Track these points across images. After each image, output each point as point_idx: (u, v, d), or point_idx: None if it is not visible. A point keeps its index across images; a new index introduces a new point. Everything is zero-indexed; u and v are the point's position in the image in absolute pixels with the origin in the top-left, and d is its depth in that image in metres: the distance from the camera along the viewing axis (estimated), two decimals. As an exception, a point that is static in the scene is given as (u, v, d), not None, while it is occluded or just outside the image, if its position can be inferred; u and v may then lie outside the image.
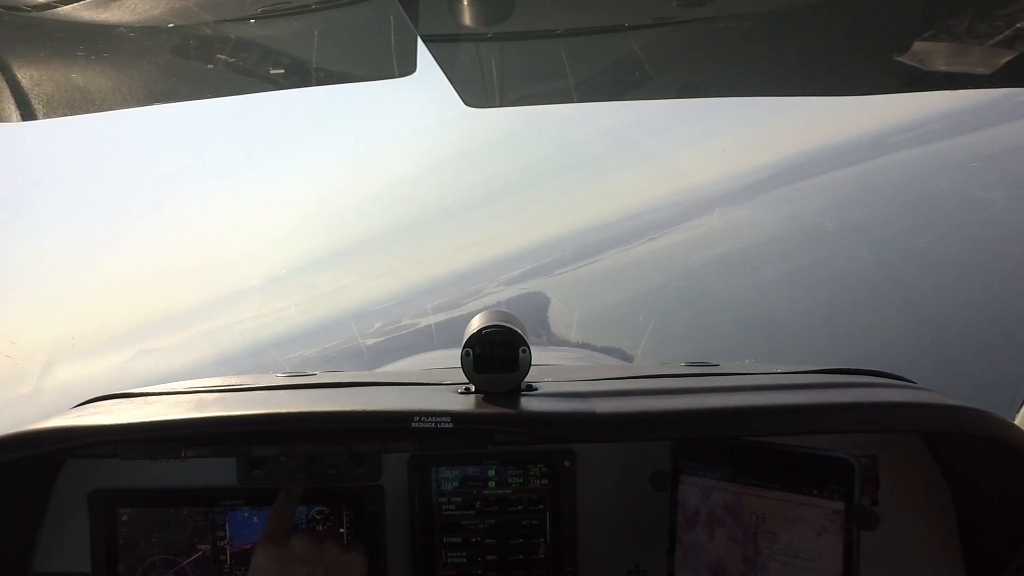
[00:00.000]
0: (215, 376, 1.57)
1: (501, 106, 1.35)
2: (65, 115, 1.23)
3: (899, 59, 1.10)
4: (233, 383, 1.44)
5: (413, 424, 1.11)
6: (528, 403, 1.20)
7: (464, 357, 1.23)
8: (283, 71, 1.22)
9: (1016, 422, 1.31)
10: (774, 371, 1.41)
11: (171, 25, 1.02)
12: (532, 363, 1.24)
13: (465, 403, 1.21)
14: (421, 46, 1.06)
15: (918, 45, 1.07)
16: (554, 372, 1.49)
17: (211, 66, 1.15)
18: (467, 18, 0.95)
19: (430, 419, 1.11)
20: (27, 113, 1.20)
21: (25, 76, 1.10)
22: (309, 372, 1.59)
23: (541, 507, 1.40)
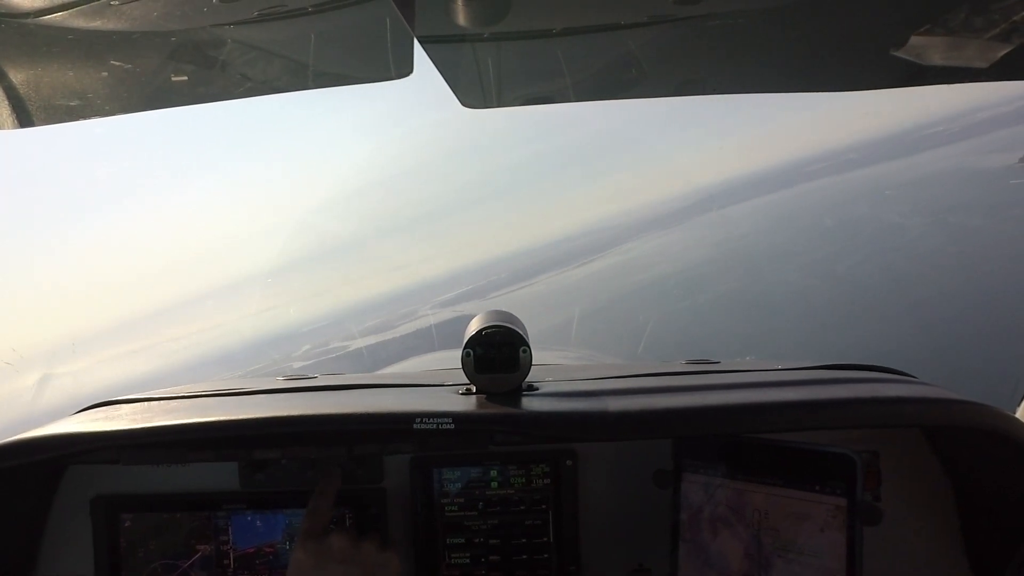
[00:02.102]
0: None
1: (498, 106, 1.35)
2: (62, 122, 1.23)
3: (896, 54, 1.10)
4: (233, 387, 1.44)
5: (415, 425, 1.11)
6: (529, 403, 1.20)
7: (465, 358, 1.23)
8: (280, 74, 1.22)
9: (1017, 415, 1.31)
10: (774, 368, 1.41)
11: (167, 31, 1.02)
12: (533, 363, 1.24)
13: (466, 404, 1.21)
14: (418, 47, 1.06)
15: (915, 40, 1.07)
16: (555, 372, 1.49)
17: (207, 71, 1.15)
18: (463, 19, 0.95)
19: (431, 420, 1.11)
20: (24, 119, 1.19)
21: (20, 83, 1.10)
22: (310, 375, 1.59)
23: (544, 507, 1.40)
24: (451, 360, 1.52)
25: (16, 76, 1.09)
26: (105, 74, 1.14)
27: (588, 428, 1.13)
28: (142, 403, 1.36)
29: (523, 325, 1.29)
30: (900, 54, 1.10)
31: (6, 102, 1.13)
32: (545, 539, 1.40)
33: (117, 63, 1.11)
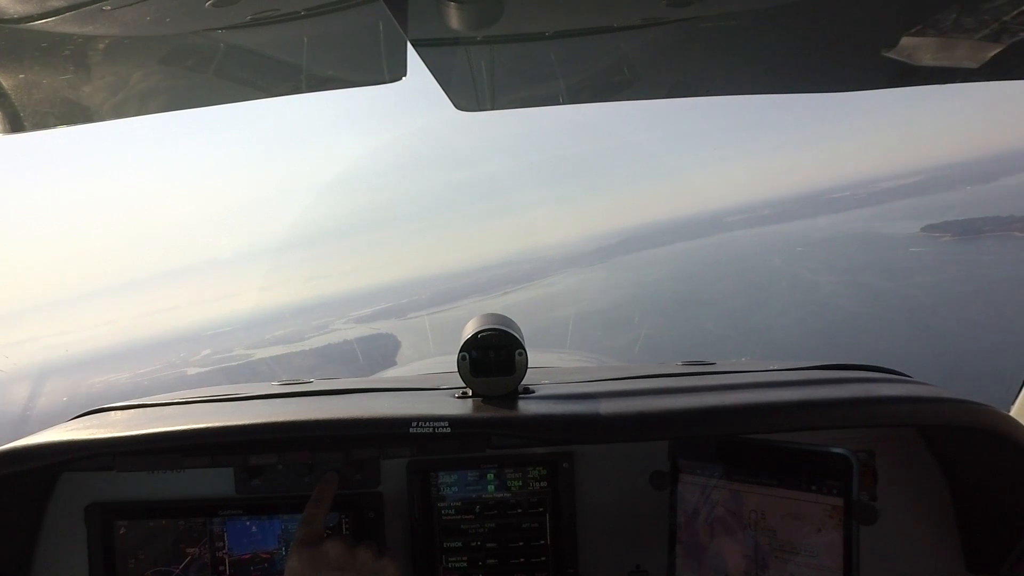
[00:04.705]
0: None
1: (492, 109, 1.35)
2: (53, 127, 1.22)
3: (887, 55, 1.11)
4: (229, 392, 1.43)
5: (411, 429, 1.11)
6: (526, 406, 1.20)
7: (460, 361, 1.23)
8: (273, 78, 1.21)
9: (1011, 414, 1.31)
10: (770, 368, 1.42)
11: (160, 35, 1.01)
12: (529, 365, 1.24)
13: (463, 407, 1.21)
14: (411, 50, 1.06)
15: (906, 40, 1.07)
16: (551, 374, 1.49)
17: (200, 75, 1.15)
18: (456, 22, 0.95)
19: (428, 424, 1.11)
20: (15, 125, 1.19)
21: (11, 88, 1.10)
22: (305, 380, 1.58)
23: (541, 509, 1.40)
24: (447, 364, 1.52)
25: (7, 82, 1.09)
26: (98, 79, 1.13)
27: (584, 430, 1.13)
28: (136, 410, 1.35)
29: (519, 328, 1.29)
30: (891, 55, 1.11)
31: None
32: (542, 542, 1.40)
33: (110, 68, 1.10)
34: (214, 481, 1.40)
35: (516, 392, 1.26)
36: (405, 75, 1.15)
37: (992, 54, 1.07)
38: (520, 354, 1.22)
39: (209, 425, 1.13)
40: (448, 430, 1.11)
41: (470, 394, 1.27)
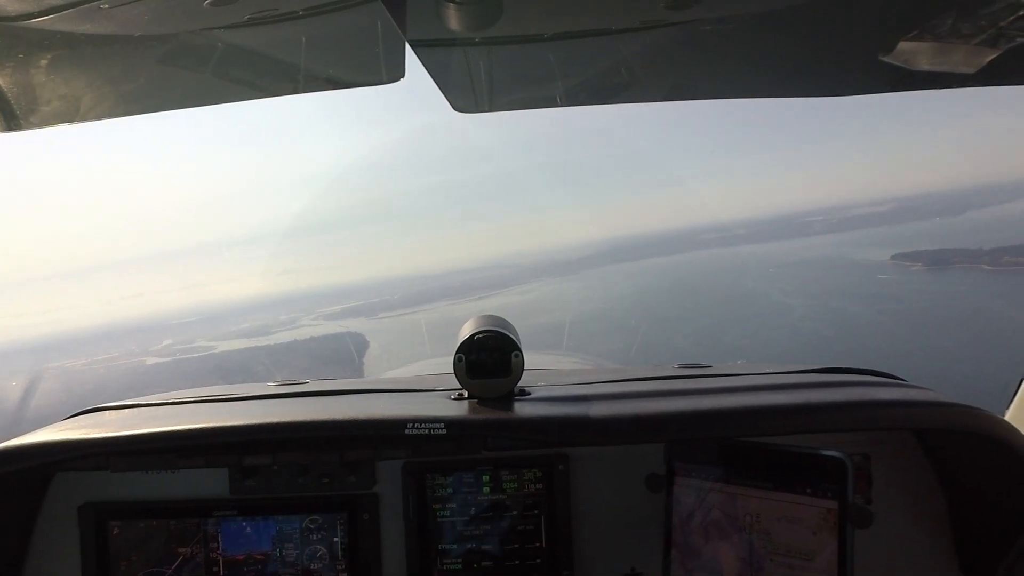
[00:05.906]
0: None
1: (491, 111, 1.35)
2: (50, 125, 1.22)
3: (884, 59, 1.11)
4: (224, 393, 1.43)
5: (407, 431, 1.11)
6: (521, 407, 1.20)
7: (456, 363, 1.23)
8: (271, 78, 1.21)
9: (1005, 418, 1.32)
10: (766, 371, 1.42)
11: (158, 34, 1.01)
12: (525, 367, 1.24)
13: (458, 409, 1.20)
14: (409, 51, 1.06)
15: (902, 45, 1.08)
16: (547, 376, 1.49)
17: (198, 74, 1.14)
18: (455, 23, 0.95)
19: (424, 425, 1.11)
20: (12, 123, 1.18)
21: (8, 87, 1.09)
22: (301, 380, 1.58)
23: (536, 512, 1.40)
24: (444, 365, 1.52)
25: (3, 80, 1.08)
26: (95, 78, 1.13)
27: (580, 432, 1.13)
28: (130, 409, 1.35)
29: (515, 330, 1.29)
30: (887, 59, 1.11)
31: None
32: (538, 544, 1.40)
33: (107, 67, 1.10)
34: (209, 481, 1.40)
35: (512, 394, 1.26)
36: (403, 76, 1.16)
37: (986, 59, 1.08)
38: (516, 356, 1.23)
39: (203, 425, 1.13)
40: (444, 431, 1.11)
41: (466, 396, 1.27)
